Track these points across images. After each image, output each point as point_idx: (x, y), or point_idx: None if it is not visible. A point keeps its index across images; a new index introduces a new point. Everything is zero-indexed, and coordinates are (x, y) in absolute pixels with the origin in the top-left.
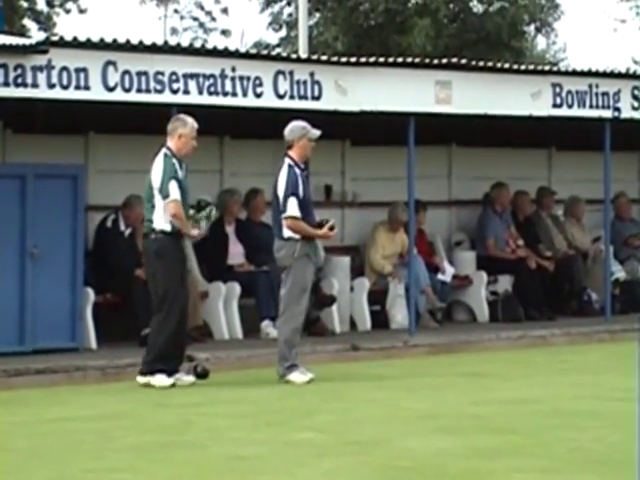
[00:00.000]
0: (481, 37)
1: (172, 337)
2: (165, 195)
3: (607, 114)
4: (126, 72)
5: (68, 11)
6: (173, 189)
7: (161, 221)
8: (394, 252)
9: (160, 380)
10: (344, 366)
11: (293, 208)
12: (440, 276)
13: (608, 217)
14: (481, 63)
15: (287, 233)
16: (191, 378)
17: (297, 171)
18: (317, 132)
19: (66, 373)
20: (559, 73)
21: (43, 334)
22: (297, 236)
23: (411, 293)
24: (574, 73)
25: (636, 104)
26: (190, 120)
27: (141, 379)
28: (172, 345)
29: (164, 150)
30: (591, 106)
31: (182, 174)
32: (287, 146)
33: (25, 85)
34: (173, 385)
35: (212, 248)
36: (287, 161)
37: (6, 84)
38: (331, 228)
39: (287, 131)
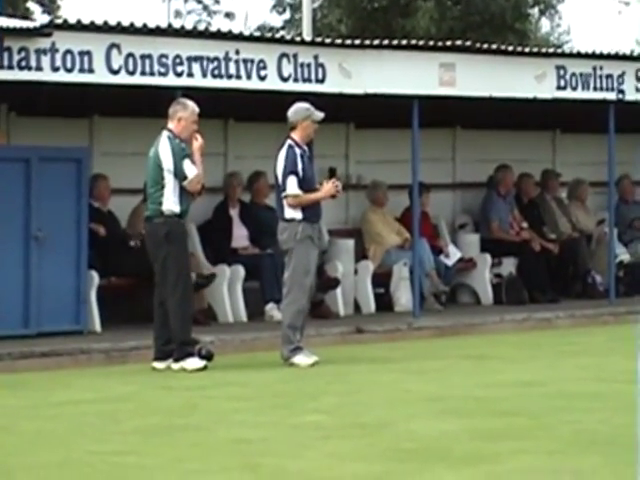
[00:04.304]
0: (485, 19)
1: (190, 318)
2: (182, 177)
3: (611, 96)
4: (130, 55)
5: None
6: (189, 168)
7: (170, 202)
8: (392, 229)
9: (192, 363)
10: (348, 349)
11: (292, 186)
12: (444, 259)
13: (612, 199)
14: (485, 45)
15: (289, 213)
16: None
17: (297, 151)
18: (321, 114)
19: (71, 356)
20: (563, 55)
21: (48, 317)
22: (299, 217)
23: (415, 275)
24: (578, 55)
25: None
26: (191, 104)
27: (159, 365)
28: (191, 326)
29: (166, 133)
30: (595, 88)
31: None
32: (290, 127)
33: (29, 68)
34: (205, 367)
35: (216, 231)
36: (288, 142)
37: (10, 67)
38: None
39: (291, 112)
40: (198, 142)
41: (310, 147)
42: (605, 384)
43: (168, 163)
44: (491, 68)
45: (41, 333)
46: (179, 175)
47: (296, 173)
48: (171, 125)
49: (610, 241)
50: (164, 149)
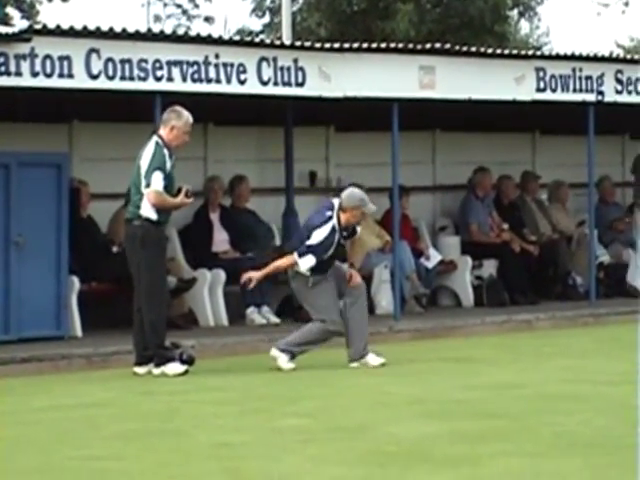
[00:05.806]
0: (464, 22)
1: (163, 324)
2: (147, 184)
3: (591, 98)
4: (109, 60)
5: None
6: (156, 179)
7: (148, 208)
8: (372, 232)
9: (173, 368)
10: (329, 352)
11: (307, 263)
12: (424, 262)
13: (592, 201)
14: (465, 48)
15: (301, 266)
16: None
17: (336, 237)
18: (373, 207)
19: (51, 361)
20: (542, 57)
21: (28, 323)
22: (308, 273)
23: (396, 278)
24: (557, 57)
25: (619, 88)
26: (186, 114)
27: (140, 370)
28: (164, 331)
29: (156, 138)
30: (575, 90)
31: (170, 164)
32: (340, 207)
33: (8, 73)
34: (186, 372)
35: (197, 235)
36: (333, 222)
37: None
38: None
39: (345, 194)
40: (184, 201)
41: (354, 229)
42: (586, 386)
43: (144, 169)
44: (471, 71)
45: (21, 339)
46: (146, 180)
47: (319, 256)
48: (162, 132)
49: (590, 242)
50: (146, 155)
